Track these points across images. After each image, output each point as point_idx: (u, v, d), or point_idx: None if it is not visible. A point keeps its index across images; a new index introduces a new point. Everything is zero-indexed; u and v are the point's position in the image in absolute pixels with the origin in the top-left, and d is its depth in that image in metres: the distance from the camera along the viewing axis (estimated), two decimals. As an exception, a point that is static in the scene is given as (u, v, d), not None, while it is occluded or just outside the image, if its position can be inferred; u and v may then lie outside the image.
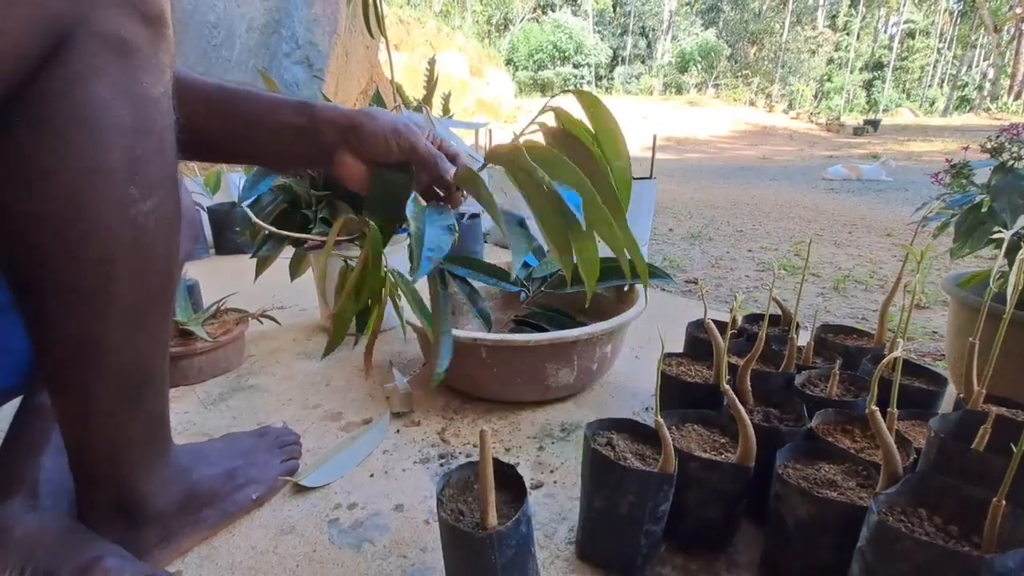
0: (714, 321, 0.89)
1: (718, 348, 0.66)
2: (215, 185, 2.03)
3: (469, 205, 1.93)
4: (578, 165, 0.46)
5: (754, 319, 0.92)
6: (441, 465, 0.73)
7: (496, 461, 0.52)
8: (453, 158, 0.56)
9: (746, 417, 0.51)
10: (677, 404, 0.68)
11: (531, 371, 0.83)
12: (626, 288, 1.04)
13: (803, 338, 0.92)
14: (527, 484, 0.70)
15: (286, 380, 0.99)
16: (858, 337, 0.86)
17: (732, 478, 0.53)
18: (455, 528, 0.44)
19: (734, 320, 0.86)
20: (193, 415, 0.87)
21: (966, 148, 1.08)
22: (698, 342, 0.83)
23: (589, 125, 0.50)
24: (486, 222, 2.25)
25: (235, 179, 2.12)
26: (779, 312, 0.91)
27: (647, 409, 0.88)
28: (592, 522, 0.55)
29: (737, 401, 0.52)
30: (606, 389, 0.94)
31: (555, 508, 0.64)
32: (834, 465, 0.53)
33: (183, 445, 0.65)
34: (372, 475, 0.71)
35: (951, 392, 0.79)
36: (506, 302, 1.25)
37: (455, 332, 0.80)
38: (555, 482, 0.69)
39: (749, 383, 0.65)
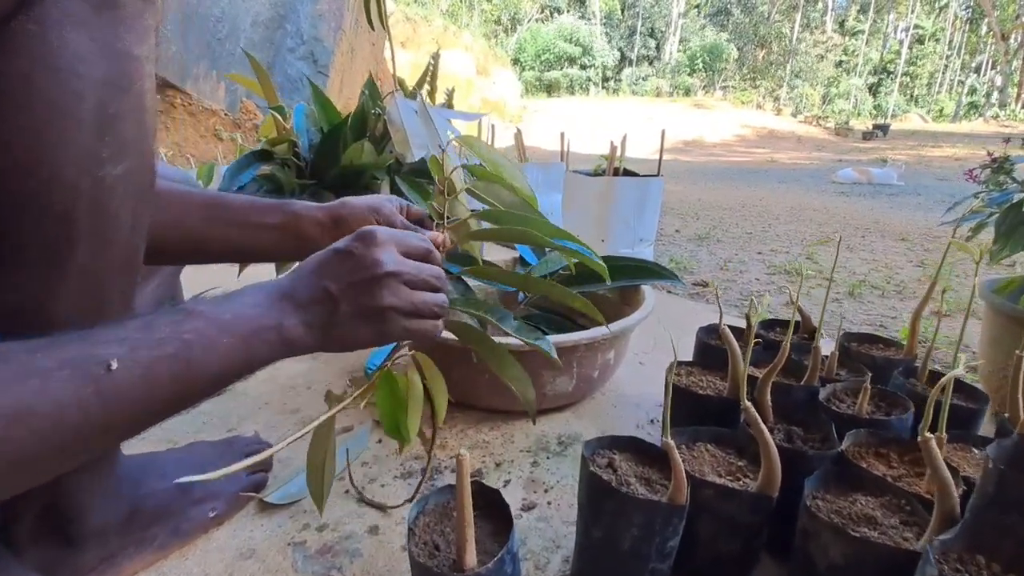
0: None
1: (735, 357, 0.59)
2: (208, 177, 1.98)
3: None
4: (492, 195, 0.56)
5: (769, 325, 0.85)
6: (424, 481, 0.66)
7: (478, 485, 0.45)
8: (421, 221, 0.59)
9: (771, 441, 0.44)
10: (687, 419, 0.61)
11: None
12: (632, 289, 0.97)
13: (825, 347, 0.85)
14: (518, 504, 0.63)
15: (266, 382, 0.92)
16: (885, 347, 0.79)
17: (752, 508, 0.46)
18: (427, 568, 0.37)
19: (750, 326, 0.79)
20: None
21: (991, 155, 1.00)
22: (710, 350, 0.76)
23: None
24: (487, 220, 2.19)
25: (224, 171, 2.06)
26: (798, 318, 0.83)
27: (652, 422, 0.80)
28: (589, 554, 0.48)
29: (760, 422, 0.45)
30: (608, 398, 0.87)
31: (548, 534, 0.57)
32: (871, 497, 0.46)
33: (134, 455, 0.58)
34: (347, 491, 0.64)
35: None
36: (503, 302, 1.18)
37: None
38: (549, 503, 0.62)
39: (769, 397, 0.57)
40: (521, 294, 1.08)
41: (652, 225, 1.71)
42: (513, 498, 0.63)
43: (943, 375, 0.68)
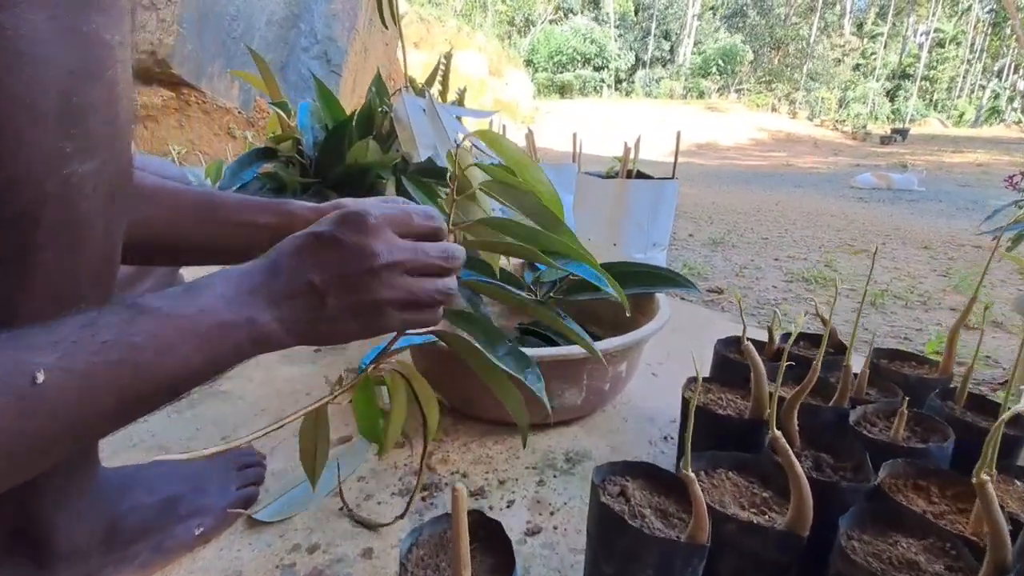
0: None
1: (759, 377, 0.55)
2: (216, 175, 1.96)
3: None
4: (511, 198, 0.50)
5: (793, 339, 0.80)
6: (423, 499, 0.62)
7: (477, 516, 0.41)
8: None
9: (802, 475, 0.40)
10: (705, 441, 0.57)
11: (532, 395, 0.72)
12: (645, 296, 0.93)
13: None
14: (522, 528, 0.60)
15: (264, 386, 0.89)
16: (918, 364, 0.74)
17: (780, 547, 0.42)
18: (417, 612, 0.33)
19: (772, 339, 0.74)
20: (153, 423, 0.78)
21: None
22: (729, 364, 0.72)
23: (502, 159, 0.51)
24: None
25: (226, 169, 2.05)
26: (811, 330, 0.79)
27: (666, 439, 0.76)
28: (599, 591, 0.44)
29: (792, 455, 0.40)
30: (619, 412, 0.83)
31: (554, 563, 0.53)
32: (913, 539, 0.41)
33: (116, 468, 0.55)
34: (342, 508, 0.61)
35: None
36: (511, 307, 1.14)
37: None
38: (555, 528, 0.58)
39: (796, 420, 0.53)
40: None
41: (666, 229, 1.66)
42: (517, 520, 0.59)
43: (983, 398, 0.63)
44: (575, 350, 0.67)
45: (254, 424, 0.78)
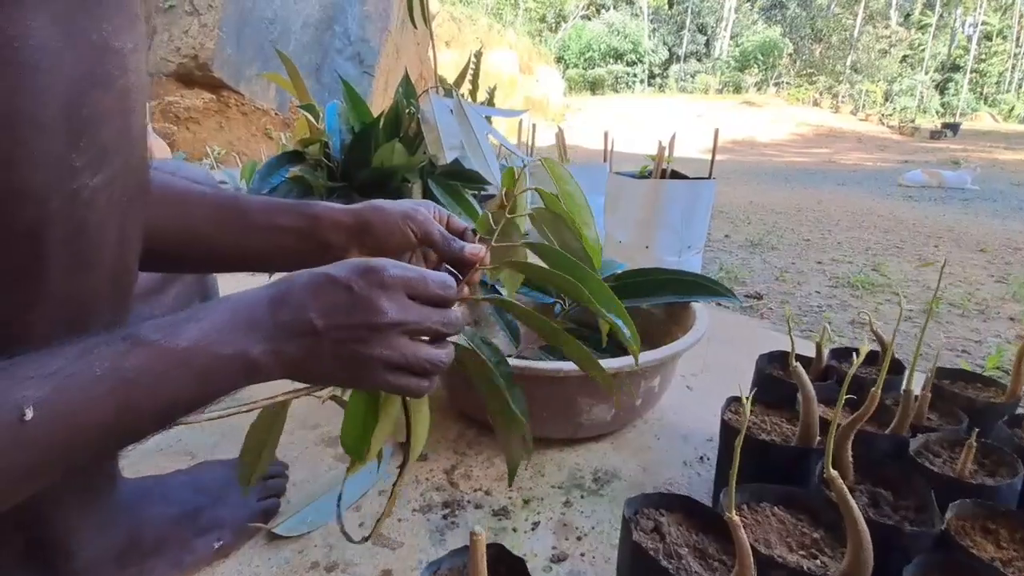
0: (787, 353, 0.72)
1: (808, 402, 0.50)
2: (250, 176, 2.00)
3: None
4: (556, 232, 0.51)
5: (841, 354, 0.74)
6: (444, 517, 0.60)
7: (497, 550, 0.38)
8: (462, 234, 0.51)
9: (861, 519, 0.36)
10: (747, 470, 0.52)
11: (560, 405, 0.69)
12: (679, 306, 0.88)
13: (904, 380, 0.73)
14: (547, 554, 0.56)
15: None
16: (983, 387, 0.67)
17: (833, 599, 0.38)
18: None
19: (820, 355, 0.69)
20: (182, 430, 0.78)
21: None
22: (772, 382, 0.67)
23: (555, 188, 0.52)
24: (525, 222, 2.12)
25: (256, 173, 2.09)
26: (875, 347, 0.73)
27: (702, 459, 0.72)
28: (629, 634, 0.40)
29: (849, 497, 0.36)
30: (651, 427, 0.79)
31: (581, 594, 0.50)
32: (990, 596, 0.37)
33: (136, 478, 0.55)
34: (362, 524, 0.59)
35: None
36: (538, 312, 1.11)
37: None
38: (583, 555, 0.55)
39: (850, 451, 0.48)
40: (558, 306, 1.01)
41: (701, 232, 1.60)
42: (542, 545, 0.56)
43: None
44: (605, 364, 0.64)
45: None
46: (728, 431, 0.56)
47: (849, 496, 0.36)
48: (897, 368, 0.69)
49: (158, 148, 1.08)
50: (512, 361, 0.65)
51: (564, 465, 0.70)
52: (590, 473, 0.68)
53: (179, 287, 0.66)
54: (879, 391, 0.45)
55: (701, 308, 0.82)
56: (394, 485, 0.48)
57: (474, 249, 0.47)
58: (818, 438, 0.52)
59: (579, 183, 1.72)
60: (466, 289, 0.48)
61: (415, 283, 0.37)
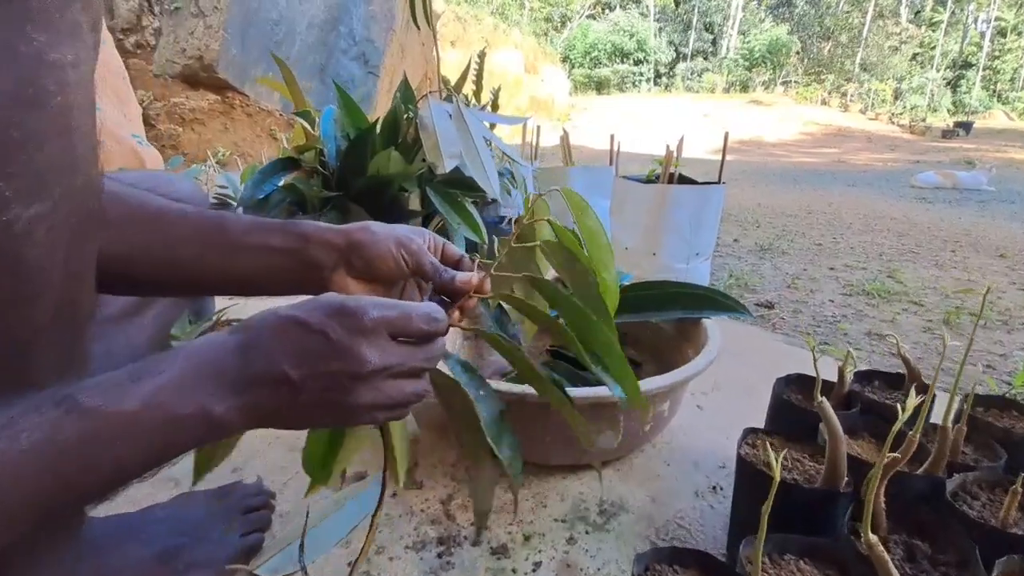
0: (808, 376, 0.68)
1: (835, 441, 0.45)
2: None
3: (507, 210, 1.75)
4: (568, 271, 0.47)
5: (865, 377, 0.69)
6: (439, 556, 0.56)
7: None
8: (457, 262, 0.48)
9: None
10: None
11: (563, 432, 0.65)
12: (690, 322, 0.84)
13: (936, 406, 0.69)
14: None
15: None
16: (1020, 415, 0.62)
17: (870, 678, 0.33)
18: None
19: (843, 380, 0.64)
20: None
21: None
22: (790, 410, 0.62)
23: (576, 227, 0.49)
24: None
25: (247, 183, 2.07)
26: (901, 370, 0.68)
27: (715, 489, 0.67)
28: None
29: (889, 566, 0.31)
30: (659, 452, 0.74)
31: (585, 650, 0.46)
32: None
33: (109, 516, 0.51)
34: (349, 563, 0.55)
35: None
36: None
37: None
38: (587, 603, 0.51)
39: (883, 496, 0.44)
40: (562, 319, 0.97)
41: (710, 238, 1.55)
42: (543, 590, 0.52)
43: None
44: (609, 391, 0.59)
45: (266, 456, 0.73)
46: (745, 467, 0.52)
47: (889, 563, 0.32)
48: (924, 391, 0.64)
49: (149, 158, 1.05)
50: (511, 387, 0.61)
51: (567, 495, 0.66)
52: (595, 504, 0.64)
53: (159, 307, 0.62)
54: (917, 437, 0.41)
55: (713, 326, 0.78)
56: (373, 516, 0.44)
57: (465, 278, 0.43)
58: (846, 478, 0.47)
59: (583, 185, 1.67)
60: (456, 314, 0.44)
61: (398, 323, 0.34)
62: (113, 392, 0.27)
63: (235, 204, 2.06)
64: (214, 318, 0.97)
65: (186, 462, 0.72)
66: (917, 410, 0.60)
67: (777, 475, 0.33)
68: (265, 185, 0.94)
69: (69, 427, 0.25)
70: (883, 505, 0.44)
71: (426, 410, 0.83)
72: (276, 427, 0.33)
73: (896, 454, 0.43)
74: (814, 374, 0.67)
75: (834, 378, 0.65)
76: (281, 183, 0.94)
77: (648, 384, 0.60)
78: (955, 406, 0.49)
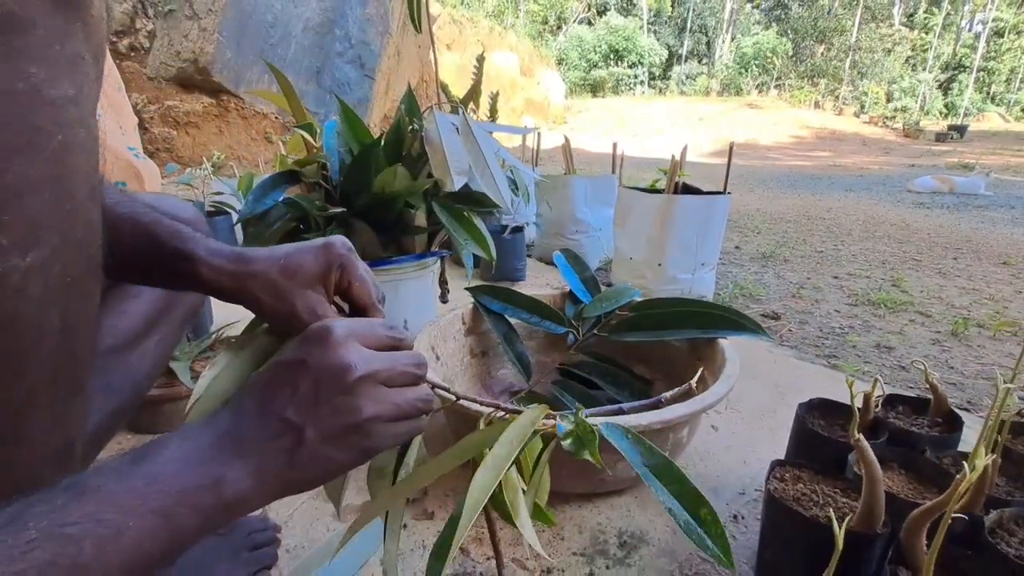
0: (831, 401, 0.66)
1: (873, 482, 0.43)
2: (247, 188, 1.94)
3: (509, 218, 1.74)
4: None
5: (887, 403, 0.68)
6: (454, 596, 0.54)
7: None
8: (364, 308, 0.41)
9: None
10: (796, 555, 0.46)
11: (580, 462, 0.62)
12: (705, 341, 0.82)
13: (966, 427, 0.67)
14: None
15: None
16: (1050, 441, 0.60)
17: None
18: None
19: (868, 408, 0.62)
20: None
21: None
22: (813, 439, 0.60)
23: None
24: (529, 233, 2.06)
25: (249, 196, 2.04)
26: (928, 395, 0.66)
27: (736, 519, 0.65)
28: None
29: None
30: (677, 479, 0.72)
31: None
32: None
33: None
34: (361, 605, 0.53)
35: None
36: (549, 342, 1.05)
37: (472, 405, 0.60)
38: (612, 648, 0.49)
39: (924, 539, 0.42)
40: (572, 336, 0.95)
41: (715, 248, 1.54)
42: (565, 634, 0.50)
43: None
44: (631, 422, 0.57)
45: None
46: (774, 504, 0.50)
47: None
48: (952, 420, 0.63)
49: (146, 171, 1.02)
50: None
51: (585, 526, 0.63)
52: (615, 536, 0.62)
53: (159, 334, 0.59)
54: (966, 489, 0.38)
55: (730, 347, 0.76)
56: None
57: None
58: (883, 518, 0.45)
59: (586, 195, 1.64)
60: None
61: (362, 329, 0.33)
62: (117, 472, 0.25)
63: (232, 211, 2.03)
64: (213, 335, 0.94)
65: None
66: (946, 439, 0.58)
67: (840, 543, 0.31)
68: (265, 200, 0.91)
69: (75, 509, 0.23)
70: (924, 548, 0.42)
71: (438, 433, 0.81)
72: (300, 486, 0.31)
73: (940, 498, 0.41)
74: (836, 398, 0.66)
75: (848, 398, 0.64)
76: (282, 198, 0.92)
77: (669, 413, 0.58)
78: (995, 435, 0.48)
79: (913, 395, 0.69)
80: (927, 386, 0.63)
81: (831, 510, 0.49)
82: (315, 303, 0.38)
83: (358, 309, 0.40)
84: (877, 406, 0.61)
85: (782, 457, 0.73)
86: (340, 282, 0.39)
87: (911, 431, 0.60)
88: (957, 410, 0.63)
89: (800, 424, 0.62)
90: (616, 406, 0.44)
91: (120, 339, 0.55)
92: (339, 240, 0.40)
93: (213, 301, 1.00)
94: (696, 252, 1.50)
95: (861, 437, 0.44)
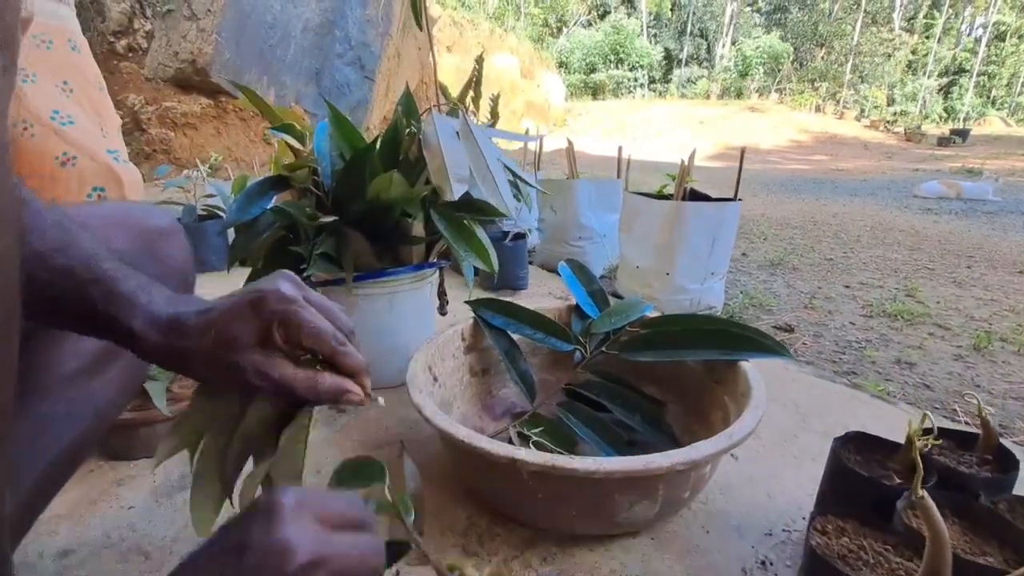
0: (869, 435, 0.60)
1: (939, 549, 0.37)
2: (240, 190, 1.88)
3: (511, 225, 1.67)
4: None
5: (929, 433, 0.61)
6: (452, 661, 0.47)
7: None
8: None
9: None
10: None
11: (593, 504, 0.57)
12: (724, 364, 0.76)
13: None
14: None
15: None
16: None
17: None
18: None
19: (912, 443, 0.56)
20: (137, 513, 0.66)
21: None
22: (851, 479, 0.54)
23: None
24: (532, 240, 2.00)
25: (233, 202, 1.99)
26: (971, 428, 0.60)
27: (764, 565, 0.59)
28: None
29: None
30: (697, 517, 0.66)
31: None
32: None
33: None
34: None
35: None
36: (554, 360, 0.98)
37: (479, 443, 0.54)
38: None
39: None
40: (578, 354, 0.89)
41: (726, 257, 1.48)
42: None
43: None
44: (652, 463, 0.51)
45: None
46: (817, 562, 0.44)
47: None
48: (1006, 458, 0.57)
49: (127, 176, 0.96)
50: (532, 457, 0.52)
51: (597, 572, 0.57)
52: (629, 586, 0.56)
53: (124, 360, 0.53)
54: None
55: (753, 370, 0.70)
56: None
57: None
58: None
59: (590, 199, 1.58)
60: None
61: (319, 506, 0.29)
62: None
63: (224, 215, 1.97)
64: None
65: (159, 527, 0.63)
66: (1001, 481, 0.52)
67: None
68: (252, 208, 0.85)
69: None
70: (1001, 628, 0.36)
71: (435, 462, 0.74)
72: None
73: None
74: (859, 418, 0.59)
75: (885, 430, 0.58)
76: (270, 206, 0.86)
77: (695, 453, 0.52)
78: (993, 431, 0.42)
79: (953, 427, 0.63)
80: (971, 417, 0.57)
81: (883, 571, 0.43)
82: (259, 364, 0.33)
83: (323, 360, 0.35)
84: (926, 446, 0.55)
85: (810, 491, 0.68)
86: (287, 337, 0.34)
87: (960, 471, 0.54)
88: (1006, 443, 0.58)
89: (836, 461, 0.56)
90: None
91: (78, 367, 0.49)
92: (273, 292, 0.34)
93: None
94: (707, 261, 1.44)
95: (926, 495, 0.38)
